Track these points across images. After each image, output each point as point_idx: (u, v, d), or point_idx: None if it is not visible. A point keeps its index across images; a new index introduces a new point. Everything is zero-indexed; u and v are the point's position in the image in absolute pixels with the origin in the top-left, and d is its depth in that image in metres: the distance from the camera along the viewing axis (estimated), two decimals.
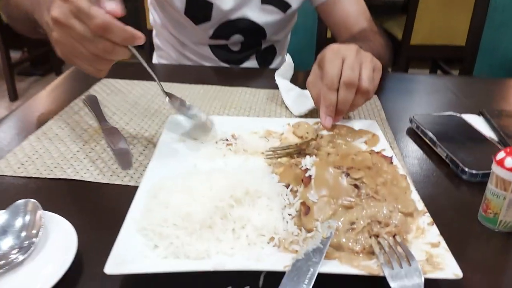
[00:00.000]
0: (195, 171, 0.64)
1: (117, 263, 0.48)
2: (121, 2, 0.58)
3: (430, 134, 0.81)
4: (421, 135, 0.84)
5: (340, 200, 0.56)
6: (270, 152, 0.70)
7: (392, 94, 1.08)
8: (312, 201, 0.56)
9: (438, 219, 0.57)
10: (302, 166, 0.62)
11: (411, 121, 0.88)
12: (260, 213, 0.55)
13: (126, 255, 0.50)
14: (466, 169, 0.71)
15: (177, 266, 0.49)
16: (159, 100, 0.97)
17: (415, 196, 0.61)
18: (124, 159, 0.73)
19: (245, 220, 0.54)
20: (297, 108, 0.91)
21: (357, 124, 0.82)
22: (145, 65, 0.67)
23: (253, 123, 0.81)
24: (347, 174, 0.59)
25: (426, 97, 1.11)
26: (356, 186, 0.58)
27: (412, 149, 0.82)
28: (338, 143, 0.76)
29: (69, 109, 0.91)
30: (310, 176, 0.59)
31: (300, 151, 0.71)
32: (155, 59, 1.41)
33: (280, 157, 0.70)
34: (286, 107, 0.94)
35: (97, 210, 0.62)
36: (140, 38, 0.60)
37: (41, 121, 0.86)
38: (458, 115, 0.89)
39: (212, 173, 0.61)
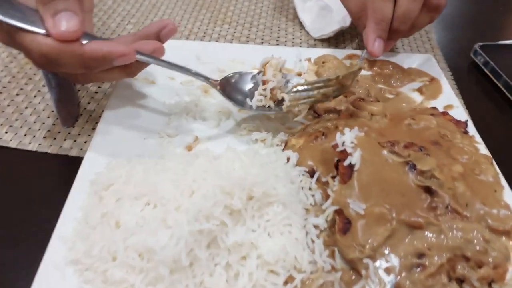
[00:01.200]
0: (167, 149, 0.40)
1: None
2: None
3: (506, 77, 0.57)
4: (490, 75, 0.60)
5: (402, 214, 0.35)
6: (294, 93, 0.44)
7: None
8: (355, 212, 0.35)
9: None
10: (337, 143, 0.39)
11: (475, 53, 0.63)
12: (272, 234, 0.34)
13: None
14: None
15: None
16: (122, 10, 0.70)
17: (510, 197, 0.39)
18: (66, 108, 0.50)
19: (247, 248, 0.33)
20: (317, 27, 0.65)
21: (404, 58, 0.57)
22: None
23: (255, 53, 0.55)
24: (413, 166, 0.37)
25: (481, 11, 0.83)
26: (428, 190, 0.36)
27: (477, 95, 0.58)
28: (381, 91, 0.52)
29: None
30: (351, 167, 0.37)
31: (341, 89, 0.45)
32: None
33: (311, 99, 0.45)
34: (301, 24, 0.68)
35: (16, 206, 0.40)
36: (127, 55, 0.37)
37: None
38: None
39: (193, 159, 0.38)
